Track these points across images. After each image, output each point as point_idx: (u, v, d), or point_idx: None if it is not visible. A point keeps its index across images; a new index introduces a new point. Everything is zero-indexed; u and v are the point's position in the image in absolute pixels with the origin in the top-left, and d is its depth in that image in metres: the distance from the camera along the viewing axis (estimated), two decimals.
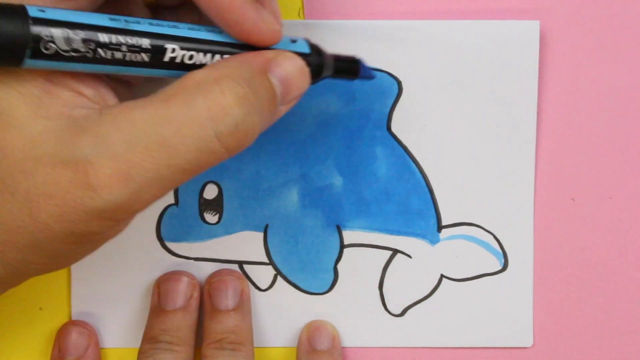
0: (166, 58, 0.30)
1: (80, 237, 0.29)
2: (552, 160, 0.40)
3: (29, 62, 0.27)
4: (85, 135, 0.28)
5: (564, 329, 0.40)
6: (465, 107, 0.39)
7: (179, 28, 0.30)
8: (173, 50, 0.30)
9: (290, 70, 0.31)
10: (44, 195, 0.28)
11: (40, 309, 0.40)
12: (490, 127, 0.39)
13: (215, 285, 0.39)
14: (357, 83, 0.39)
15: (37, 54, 0.27)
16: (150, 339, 0.38)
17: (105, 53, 0.28)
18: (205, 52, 0.30)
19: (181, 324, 0.39)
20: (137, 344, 0.39)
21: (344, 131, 0.40)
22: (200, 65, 0.30)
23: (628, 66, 0.40)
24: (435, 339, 0.40)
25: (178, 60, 0.30)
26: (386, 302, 0.40)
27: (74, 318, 0.40)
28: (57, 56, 0.28)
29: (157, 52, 0.29)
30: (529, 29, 0.39)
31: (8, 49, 0.27)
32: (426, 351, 0.41)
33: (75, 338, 0.39)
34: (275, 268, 0.40)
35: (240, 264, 0.40)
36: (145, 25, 0.29)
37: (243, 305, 0.39)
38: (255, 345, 0.40)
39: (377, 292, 0.40)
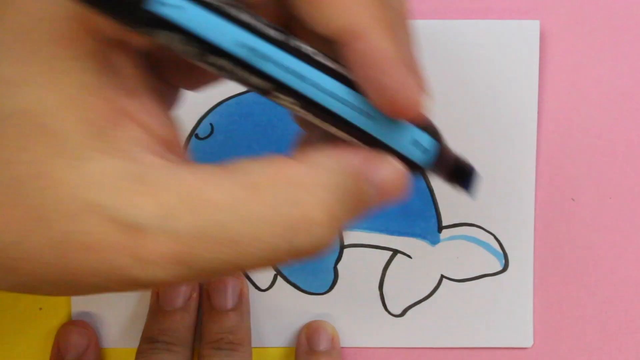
0: (274, 94, 0.25)
1: (101, 291, 0.25)
2: (553, 160, 0.40)
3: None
4: (149, 198, 0.24)
5: (564, 329, 0.40)
6: (465, 106, 0.39)
7: (304, 80, 0.25)
8: (293, 104, 0.25)
9: (387, 180, 0.26)
10: (83, 246, 0.24)
11: (40, 309, 0.40)
12: (490, 127, 0.39)
13: (214, 285, 0.39)
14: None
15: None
16: (148, 339, 0.38)
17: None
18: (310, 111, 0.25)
19: (180, 324, 0.39)
20: (137, 344, 0.39)
21: None
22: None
23: (628, 66, 0.39)
24: (435, 339, 0.40)
25: (289, 108, 0.25)
26: (386, 302, 0.40)
27: (73, 318, 0.40)
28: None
29: (260, 90, 0.25)
30: (529, 29, 0.39)
31: None
32: (426, 351, 0.41)
33: (75, 338, 0.39)
34: (275, 268, 0.40)
35: None
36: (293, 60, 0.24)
37: (242, 306, 0.39)
38: (254, 345, 0.40)
39: (377, 292, 0.40)
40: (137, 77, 0.26)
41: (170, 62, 0.27)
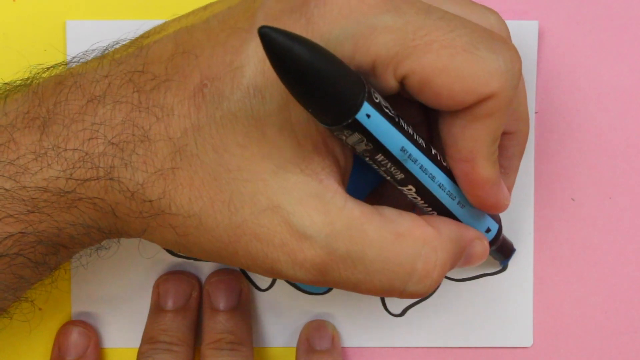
0: (399, 183, 0.31)
1: (244, 268, 0.32)
2: (552, 160, 0.40)
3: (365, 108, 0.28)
4: (322, 216, 0.29)
5: (564, 329, 0.40)
6: None
7: (434, 180, 0.31)
8: (409, 189, 0.31)
9: (477, 255, 0.34)
10: (254, 235, 0.30)
11: (40, 309, 0.40)
12: None
13: (214, 285, 0.39)
14: None
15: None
16: (149, 340, 0.38)
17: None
18: (427, 202, 0.32)
19: (180, 324, 0.39)
20: (137, 344, 0.39)
21: None
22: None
23: (627, 66, 0.40)
24: (435, 339, 0.40)
25: (405, 193, 0.32)
26: (386, 302, 0.40)
27: (74, 318, 0.40)
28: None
29: (396, 181, 0.31)
30: (528, 29, 0.39)
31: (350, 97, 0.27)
32: (426, 351, 0.41)
33: (75, 338, 0.39)
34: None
35: None
36: (412, 164, 0.30)
37: (242, 305, 0.39)
38: (254, 345, 0.40)
39: None
40: None
41: None
